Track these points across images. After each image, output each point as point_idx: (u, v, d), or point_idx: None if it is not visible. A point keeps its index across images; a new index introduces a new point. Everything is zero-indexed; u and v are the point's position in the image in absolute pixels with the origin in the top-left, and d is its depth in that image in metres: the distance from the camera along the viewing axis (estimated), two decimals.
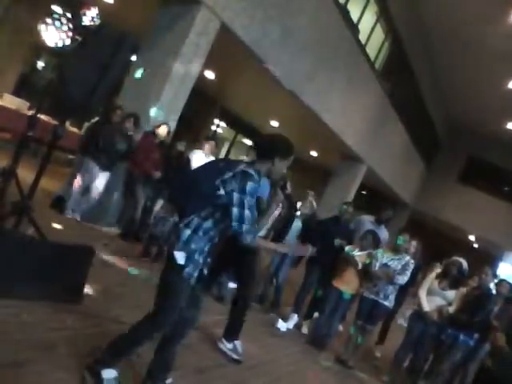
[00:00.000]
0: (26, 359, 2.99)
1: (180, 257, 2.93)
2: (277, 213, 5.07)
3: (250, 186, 2.91)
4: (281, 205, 3.76)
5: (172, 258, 2.95)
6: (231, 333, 4.61)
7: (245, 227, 2.89)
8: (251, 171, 2.95)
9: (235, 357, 4.48)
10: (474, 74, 15.67)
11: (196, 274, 3.00)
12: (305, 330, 6.72)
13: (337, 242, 6.68)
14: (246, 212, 2.90)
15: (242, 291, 4.72)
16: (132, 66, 7.46)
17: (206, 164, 3.20)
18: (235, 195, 2.90)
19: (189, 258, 2.94)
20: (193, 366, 4.02)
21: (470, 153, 21.19)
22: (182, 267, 2.93)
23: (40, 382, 2.88)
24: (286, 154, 3.16)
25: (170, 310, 2.99)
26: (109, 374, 3.00)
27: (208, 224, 2.97)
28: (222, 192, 2.91)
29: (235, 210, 2.89)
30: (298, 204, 7.41)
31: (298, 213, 7.15)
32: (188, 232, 2.95)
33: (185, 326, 3.24)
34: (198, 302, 3.26)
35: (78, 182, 6.93)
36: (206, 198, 2.93)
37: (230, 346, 4.55)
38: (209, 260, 3.14)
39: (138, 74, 7.23)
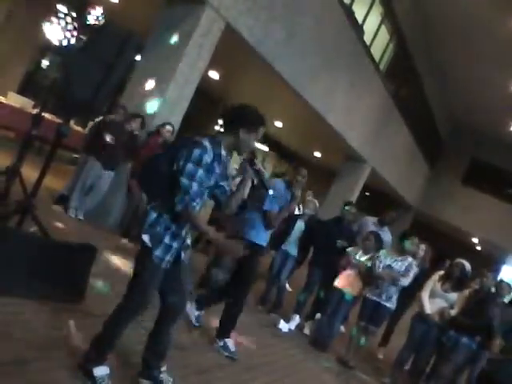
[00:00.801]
0: (28, 358, 3.00)
1: (147, 239, 2.86)
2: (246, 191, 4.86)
3: (195, 152, 2.75)
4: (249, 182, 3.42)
5: (142, 243, 2.89)
6: (222, 331, 4.61)
7: (179, 196, 2.75)
8: (202, 140, 2.80)
9: (226, 354, 4.47)
10: (479, 76, 15.63)
11: (168, 258, 2.91)
12: (307, 330, 6.72)
13: (339, 243, 6.68)
14: (184, 181, 2.74)
15: (236, 290, 4.65)
16: (136, 67, 7.46)
17: (166, 149, 3.14)
18: (181, 164, 2.76)
19: (157, 241, 2.85)
20: (193, 366, 4.02)
21: (474, 155, 21.13)
22: (150, 250, 2.85)
23: (42, 380, 2.88)
24: (252, 124, 2.94)
25: (140, 294, 2.93)
26: (100, 371, 2.96)
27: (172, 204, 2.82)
28: (174, 167, 2.80)
29: (180, 180, 2.75)
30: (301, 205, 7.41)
31: (298, 212, 7.14)
32: (154, 215, 2.87)
33: (173, 312, 3.18)
34: (180, 285, 3.15)
35: (82, 181, 6.93)
36: (166, 178, 2.81)
37: (220, 343, 4.54)
38: (188, 243, 3.07)
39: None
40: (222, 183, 3.00)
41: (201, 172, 2.76)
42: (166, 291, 3.08)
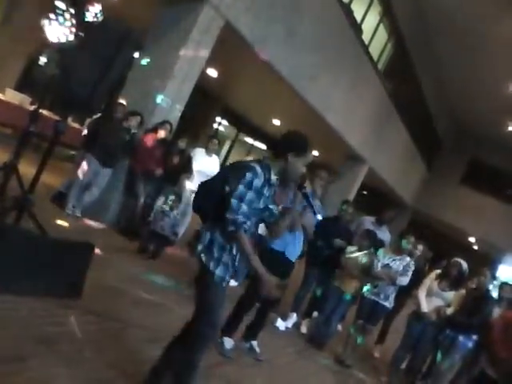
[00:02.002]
0: (27, 354, 3.00)
1: (205, 260, 2.87)
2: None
3: (247, 175, 2.81)
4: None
5: (201, 264, 2.89)
6: (249, 333, 4.84)
7: (230, 215, 2.78)
8: (253, 164, 2.87)
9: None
10: (478, 76, 15.65)
11: (228, 277, 2.90)
12: (304, 329, 6.72)
13: (336, 242, 6.67)
14: (234, 201, 2.78)
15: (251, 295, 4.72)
16: (135, 61, 7.45)
17: (218, 171, 3.13)
18: (231, 186, 2.82)
19: (216, 260, 2.86)
20: None
21: (472, 155, 21.17)
22: (211, 271, 2.85)
23: (41, 377, 2.89)
24: (301, 150, 3.00)
25: (210, 317, 2.90)
26: None
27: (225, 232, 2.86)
28: (227, 189, 2.84)
29: (231, 201, 2.79)
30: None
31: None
32: (208, 235, 2.90)
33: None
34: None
35: (81, 172, 6.91)
36: (218, 199, 2.85)
37: (246, 345, 4.74)
38: (239, 258, 2.97)
39: (144, 61, 7.18)
40: (270, 206, 3.05)
41: (250, 195, 2.82)
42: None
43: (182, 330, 3.06)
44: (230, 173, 2.90)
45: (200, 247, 2.90)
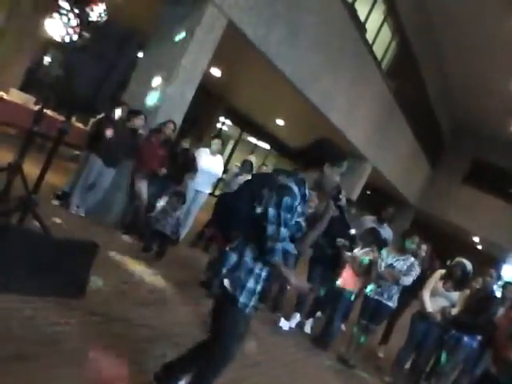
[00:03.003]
0: (30, 354, 3.00)
1: (228, 285, 2.70)
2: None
3: (286, 200, 2.62)
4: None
5: (224, 289, 2.72)
6: None
7: (273, 244, 2.61)
8: (289, 184, 2.68)
9: None
10: (481, 75, 15.61)
11: (253, 303, 2.75)
12: (307, 328, 6.72)
13: (339, 241, 6.66)
14: (282, 229, 2.62)
15: None
16: (138, 62, 7.46)
17: (242, 184, 2.92)
18: (270, 211, 2.62)
19: (240, 286, 2.69)
20: None
21: (476, 154, 21.12)
22: (234, 297, 2.69)
23: (44, 376, 2.89)
24: (337, 159, 2.81)
25: (228, 346, 2.79)
26: None
27: (255, 246, 2.71)
28: (259, 210, 2.66)
29: (269, 227, 2.61)
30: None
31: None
32: (234, 257, 2.72)
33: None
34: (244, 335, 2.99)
35: (83, 178, 6.94)
36: (246, 220, 2.69)
37: None
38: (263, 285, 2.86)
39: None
40: (298, 219, 2.83)
41: (289, 217, 2.65)
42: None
43: (201, 347, 2.97)
44: (260, 189, 2.70)
45: (224, 271, 2.72)
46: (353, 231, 6.74)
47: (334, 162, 2.79)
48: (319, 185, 2.84)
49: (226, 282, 2.71)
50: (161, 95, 7.14)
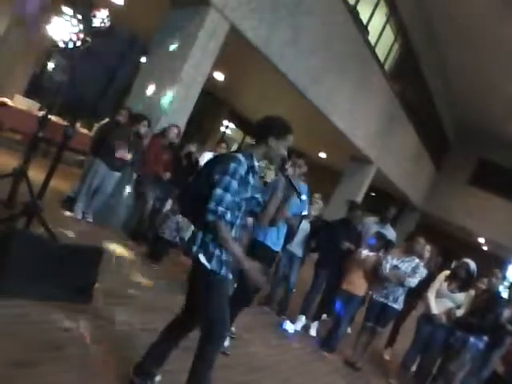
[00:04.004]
0: (36, 359, 3.01)
1: (203, 258, 2.84)
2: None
3: (230, 165, 2.78)
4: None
5: (198, 263, 2.86)
6: None
7: (212, 205, 2.74)
8: (235, 155, 2.86)
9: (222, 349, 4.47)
10: (486, 75, 15.58)
11: (225, 271, 2.89)
12: (313, 331, 6.71)
13: (344, 245, 6.65)
14: (219, 191, 2.76)
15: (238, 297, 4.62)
16: (142, 67, 7.49)
17: (201, 168, 3.07)
18: (214, 177, 2.80)
19: (217, 258, 2.84)
20: None
21: (481, 155, 21.06)
22: (214, 270, 2.84)
23: (51, 381, 2.90)
24: (280, 132, 2.98)
25: (219, 318, 2.88)
26: None
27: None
28: (211, 181, 2.82)
29: (212, 191, 2.77)
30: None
31: (304, 213, 7.13)
32: (200, 235, 2.87)
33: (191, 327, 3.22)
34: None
35: (88, 182, 6.96)
36: (203, 197, 2.81)
37: None
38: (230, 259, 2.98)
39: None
40: (256, 195, 3.02)
41: (235, 183, 2.79)
42: (194, 307, 3.07)
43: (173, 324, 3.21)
44: (214, 166, 2.86)
45: (195, 248, 2.87)
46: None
47: (279, 136, 2.97)
48: (266, 157, 3.02)
49: (201, 256, 2.84)
50: (170, 100, 7.16)
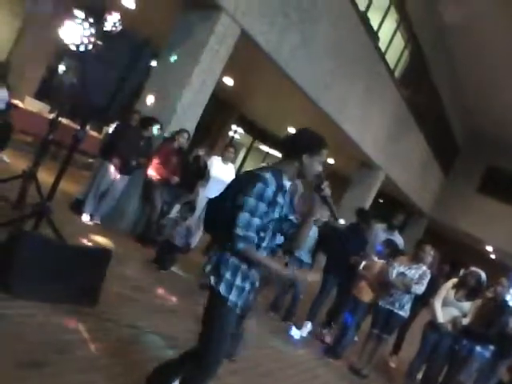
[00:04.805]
0: (42, 361, 3.02)
1: (215, 283, 2.64)
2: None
3: (257, 186, 2.56)
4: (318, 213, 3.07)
5: (212, 288, 2.66)
6: None
7: (240, 231, 2.54)
8: (263, 173, 2.62)
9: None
10: (496, 82, 15.53)
11: (241, 302, 2.69)
12: (328, 339, 6.68)
13: (353, 259, 6.59)
14: (245, 215, 2.54)
15: None
16: (152, 71, 7.52)
17: (228, 185, 2.86)
18: (241, 198, 2.58)
19: (228, 284, 2.63)
20: None
21: (490, 162, 20.95)
22: (222, 296, 2.63)
23: (60, 383, 2.91)
24: (315, 147, 2.74)
25: (218, 345, 2.68)
26: None
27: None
28: (238, 204, 2.60)
29: (238, 215, 2.56)
30: None
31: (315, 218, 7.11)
32: (217, 256, 2.68)
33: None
34: (234, 330, 2.94)
35: (96, 185, 6.99)
36: (230, 216, 2.61)
37: None
38: (257, 284, 2.81)
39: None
40: (289, 217, 2.80)
41: (262, 206, 2.58)
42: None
43: (191, 350, 2.85)
44: (240, 185, 2.66)
45: (208, 268, 2.70)
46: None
47: (313, 151, 2.73)
48: (299, 175, 2.79)
49: (213, 279, 2.65)
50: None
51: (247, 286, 2.69)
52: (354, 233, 6.96)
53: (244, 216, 2.55)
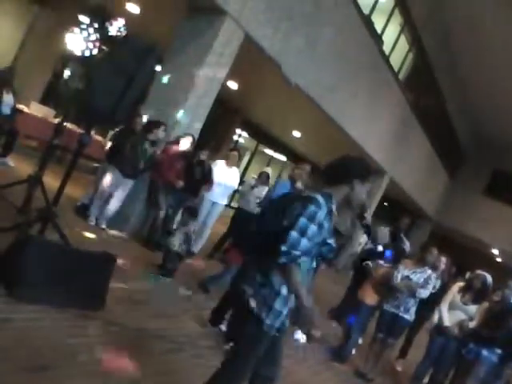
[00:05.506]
0: (49, 364, 3.03)
1: (255, 305, 2.62)
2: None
3: (310, 208, 2.55)
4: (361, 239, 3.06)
5: (248, 308, 2.63)
6: (229, 335, 4.60)
7: (286, 247, 2.50)
8: (315, 195, 2.62)
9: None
10: (501, 85, 15.50)
11: (278, 325, 2.66)
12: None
13: (366, 264, 6.56)
14: (295, 234, 2.51)
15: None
16: (157, 75, 7.54)
17: (270, 202, 2.88)
18: (291, 218, 2.56)
19: (267, 307, 2.61)
20: (208, 376, 4.01)
21: (496, 165, 20.91)
22: (259, 317, 2.61)
23: None
24: (367, 175, 2.78)
25: (243, 366, 2.71)
26: None
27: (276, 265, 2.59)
28: (285, 223, 2.57)
29: (287, 234, 2.52)
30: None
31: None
32: (261, 277, 2.64)
33: None
34: (277, 356, 2.93)
35: (101, 189, 7.01)
36: (275, 236, 2.56)
37: (226, 347, 4.50)
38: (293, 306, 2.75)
39: (165, 79, 7.29)
40: (329, 241, 2.75)
41: (314, 228, 2.55)
42: (261, 361, 2.78)
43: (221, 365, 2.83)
44: (287, 205, 2.63)
45: (250, 291, 2.65)
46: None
47: (364, 178, 2.76)
48: (347, 201, 2.78)
49: (253, 302, 2.63)
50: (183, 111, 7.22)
51: (285, 311, 2.67)
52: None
53: (293, 235, 2.52)
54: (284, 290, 2.63)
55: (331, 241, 2.77)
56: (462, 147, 21.06)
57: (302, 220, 2.53)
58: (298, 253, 2.52)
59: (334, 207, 2.72)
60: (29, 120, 9.54)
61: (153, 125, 7.05)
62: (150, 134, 6.98)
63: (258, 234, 2.75)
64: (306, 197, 2.62)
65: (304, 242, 2.53)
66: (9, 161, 8.32)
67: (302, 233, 2.53)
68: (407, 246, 7.21)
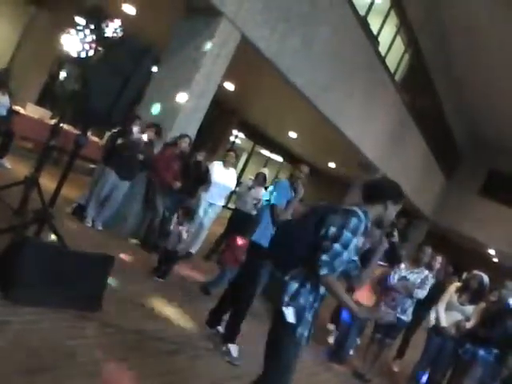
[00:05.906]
0: (47, 366, 3.02)
1: (289, 314, 2.65)
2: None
3: (353, 221, 2.63)
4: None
5: (281, 316, 2.66)
6: (226, 336, 4.66)
7: (327, 257, 2.57)
8: (356, 209, 2.70)
9: (227, 359, 4.47)
10: (497, 86, 15.54)
11: (306, 335, 2.72)
12: (331, 339, 6.69)
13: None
14: (337, 247, 2.58)
15: (237, 297, 4.70)
16: (153, 78, 7.53)
17: (306, 212, 2.89)
18: (331, 229, 2.63)
19: (300, 316, 2.65)
20: (206, 378, 4.01)
21: (492, 166, 20.95)
22: (294, 326, 2.65)
23: None
24: (398, 197, 2.92)
25: (284, 375, 2.73)
26: None
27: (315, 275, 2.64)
28: (323, 232, 2.65)
29: (328, 245, 2.59)
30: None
31: None
32: (295, 285, 2.68)
33: None
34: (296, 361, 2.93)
35: (97, 191, 7.00)
36: (310, 246, 2.65)
37: (223, 348, 4.56)
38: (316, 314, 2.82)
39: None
40: (354, 258, 2.82)
41: (355, 241, 2.65)
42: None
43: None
44: (324, 216, 2.70)
45: (286, 299, 2.68)
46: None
47: (396, 200, 2.91)
48: (380, 219, 2.91)
49: (287, 310, 2.66)
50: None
51: (310, 318, 2.72)
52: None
53: (336, 247, 2.59)
54: (311, 298, 2.69)
55: (356, 258, 2.85)
56: (458, 147, 21.09)
57: (347, 233, 2.61)
58: (338, 264, 2.59)
59: (369, 224, 2.81)
60: (25, 121, 9.52)
61: (148, 127, 7.05)
62: (143, 135, 6.99)
63: (280, 246, 2.80)
64: (349, 210, 2.70)
65: (345, 255, 2.61)
66: (5, 162, 8.31)
67: (345, 245, 2.60)
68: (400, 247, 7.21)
